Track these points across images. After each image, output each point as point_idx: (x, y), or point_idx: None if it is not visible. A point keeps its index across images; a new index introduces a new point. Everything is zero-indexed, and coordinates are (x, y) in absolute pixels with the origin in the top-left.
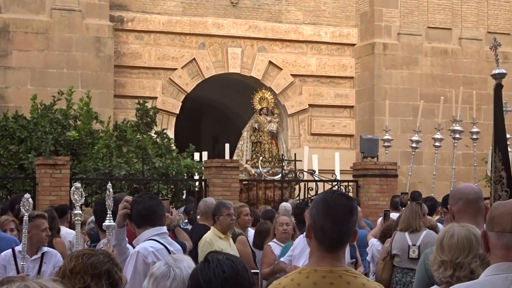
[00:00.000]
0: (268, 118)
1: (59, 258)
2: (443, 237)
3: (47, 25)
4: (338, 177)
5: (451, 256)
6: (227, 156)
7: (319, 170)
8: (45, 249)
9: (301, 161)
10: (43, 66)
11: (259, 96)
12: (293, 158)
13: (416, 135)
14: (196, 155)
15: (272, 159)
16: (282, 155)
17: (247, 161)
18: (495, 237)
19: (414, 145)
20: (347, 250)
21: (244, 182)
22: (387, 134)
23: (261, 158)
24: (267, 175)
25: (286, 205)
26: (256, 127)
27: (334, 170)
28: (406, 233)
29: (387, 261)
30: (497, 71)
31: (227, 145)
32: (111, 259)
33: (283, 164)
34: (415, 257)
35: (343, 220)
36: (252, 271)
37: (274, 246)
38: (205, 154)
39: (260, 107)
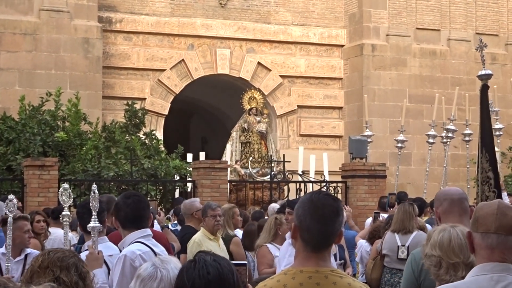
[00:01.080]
0: (258, 118)
1: None
2: (449, 238)
3: (35, 26)
4: (327, 178)
5: (463, 257)
6: (228, 158)
7: (307, 171)
8: (28, 250)
9: (289, 162)
10: (31, 67)
11: (248, 96)
12: (281, 159)
13: (402, 134)
14: (189, 156)
15: (262, 160)
16: (271, 155)
17: (236, 161)
18: (479, 238)
19: (399, 145)
20: (336, 251)
21: (233, 183)
22: (367, 130)
23: (250, 158)
24: (256, 176)
25: (274, 206)
26: (246, 127)
27: (323, 171)
28: (396, 234)
29: (377, 260)
30: (483, 72)
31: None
32: (76, 255)
33: (272, 165)
34: (404, 257)
35: (330, 220)
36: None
37: (271, 246)
38: (202, 155)
39: (249, 107)
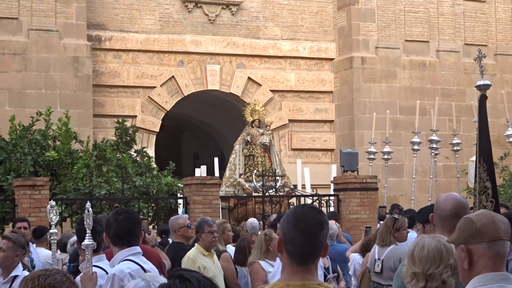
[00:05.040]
0: (261, 131)
1: None
2: (413, 249)
3: (24, 45)
4: (309, 191)
5: (422, 268)
6: (216, 171)
7: (296, 185)
8: (17, 272)
9: (282, 176)
10: (21, 87)
11: (250, 109)
12: (285, 172)
13: (387, 146)
14: (198, 171)
15: (266, 173)
16: (275, 169)
17: (240, 175)
18: (485, 248)
19: (386, 156)
20: (329, 264)
21: (224, 198)
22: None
23: (254, 171)
24: (261, 189)
25: (252, 222)
26: (249, 140)
27: (315, 185)
28: (377, 247)
29: (366, 273)
30: (481, 82)
31: (215, 159)
32: (68, 278)
33: (276, 178)
34: (378, 271)
35: (314, 233)
36: None
37: (263, 263)
38: (203, 169)
39: (251, 119)
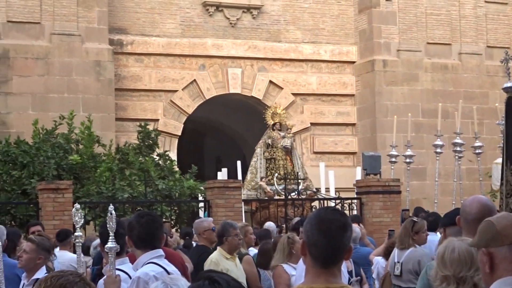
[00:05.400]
0: (282, 134)
1: None
2: (444, 252)
3: (47, 50)
4: (333, 194)
5: (453, 271)
6: (239, 175)
7: (319, 188)
8: (38, 275)
9: (304, 179)
10: (43, 91)
11: (271, 112)
12: (307, 175)
13: (409, 150)
14: (219, 175)
15: (288, 176)
16: (297, 172)
17: (261, 178)
18: (506, 251)
19: (408, 160)
20: (352, 267)
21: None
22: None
23: (276, 175)
24: (282, 192)
25: (269, 225)
26: (270, 143)
27: (337, 188)
28: (396, 250)
29: (387, 277)
30: (509, 84)
31: (238, 162)
32: (82, 278)
33: (298, 181)
34: (398, 274)
35: (337, 235)
36: None
37: (286, 266)
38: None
39: (272, 122)
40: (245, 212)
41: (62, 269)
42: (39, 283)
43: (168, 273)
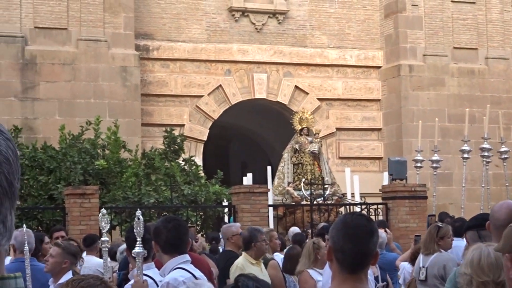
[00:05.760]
0: (309, 139)
1: None
2: (479, 257)
3: (74, 56)
4: (358, 199)
5: (492, 276)
6: (269, 179)
7: (345, 193)
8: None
9: (332, 184)
10: (70, 96)
11: (298, 117)
12: (335, 180)
13: (436, 154)
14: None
15: (314, 181)
16: (324, 177)
17: (289, 183)
18: None
19: (434, 165)
20: (378, 273)
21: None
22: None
23: (303, 180)
24: (309, 197)
25: (294, 230)
26: (297, 148)
27: (363, 193)
28: (421, 255)
29: (412, 282)
30: None
31: (269, 168)
32: (103, 282)
33: (324, 186)
34: (423, 279)
35: (363, 240)
36: None
37: (312, 271)
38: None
39: (300, 127)
40: (273, 217)
41: (85, 274)
42: (61, 287)
43: (196, 278)
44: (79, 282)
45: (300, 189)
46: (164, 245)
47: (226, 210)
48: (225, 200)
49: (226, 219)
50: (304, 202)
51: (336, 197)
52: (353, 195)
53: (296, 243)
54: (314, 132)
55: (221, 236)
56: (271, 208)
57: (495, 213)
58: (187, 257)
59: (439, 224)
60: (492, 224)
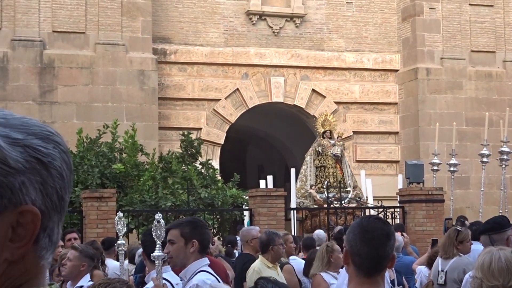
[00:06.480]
0: (332, 142)
1: None
2: (490, 261)
3: (92, 59)
4: (371, 203)
5: (502, 280)
6: (292, 182)
7: (367, 197)
8: (82, 283)
9: (354, 188)
10: (88, 100)
11: (322, 119)
12: (357, 183)
13: (454, 158)
14: (261, 183)
15: (331, 185)
16: (347, 180)
17: (311, 186)
18: None
19: (452, 169)
20: (394, 276)
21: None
22: (435, 158)
23: (326, 182)
24: (332, 200)
25: (319, 233)
26: (320, 150)
27: (380, 197)
28: (440, 259)
29: (429, 286)
30: None
31: (292, 170)
32: (129, 286)
33: (347, 189)
34: (442, 283)
35: (380, 244)
36: None
37: (325, 275)
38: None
39: (323, 130)
40: (296, 220)
41: (110, 277)
42: None
43: (218, 281)
44: (105, 286)
45: (322, 192)
46: None
47: (245, 213)
48: (242, 204)
49: (245, 222)
50: (325, 206)
51: (355, 201)
52: (360, 198)
53: (306, 248)
54: (337, 135)
55: (238, 239)
56: (293, 211)
57: None
58: (207, 260)
59: (459, 228)
60: None
